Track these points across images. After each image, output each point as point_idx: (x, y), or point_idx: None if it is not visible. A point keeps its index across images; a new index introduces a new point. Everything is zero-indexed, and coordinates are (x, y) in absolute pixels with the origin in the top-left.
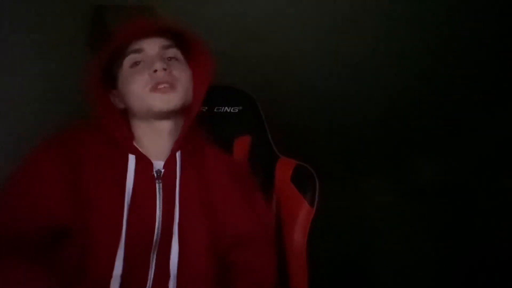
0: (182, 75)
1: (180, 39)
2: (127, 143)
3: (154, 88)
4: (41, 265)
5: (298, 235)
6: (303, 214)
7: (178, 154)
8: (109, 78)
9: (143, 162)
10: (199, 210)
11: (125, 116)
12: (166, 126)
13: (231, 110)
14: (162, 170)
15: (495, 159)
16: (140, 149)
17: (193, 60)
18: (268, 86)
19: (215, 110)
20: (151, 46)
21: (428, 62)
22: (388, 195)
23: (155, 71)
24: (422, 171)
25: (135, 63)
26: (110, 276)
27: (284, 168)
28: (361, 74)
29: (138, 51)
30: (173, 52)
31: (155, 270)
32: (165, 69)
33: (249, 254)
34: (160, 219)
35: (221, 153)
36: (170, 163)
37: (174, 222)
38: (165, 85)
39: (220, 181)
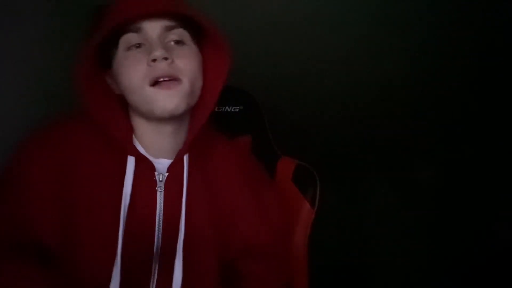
0: (187, 65)
1: (190, 21)
2: (125, 139)
3: (154, 83)
4: (36, 268)
5: (299, 235)
6: (304, 214)
7: (185, 158)
8: (103, 56)
9: (144, 164)
10: (207, 223)
11: (122, 103)
12: (169, 125)
13: (232, 110)
14: (166, 175)
15: (495, 159)
16: (140, 145)
17: (206, 48)
18: (269, 86)
19: (215, 110)
20: (152, 26)
21: (429, 62)
22: (388, 195)
23: (154, 60)
24: (423, 171)
25: (133, 46)
26: None
27: (285, 168)
28: (362, 74)
29: (135, 30)
30: (178, 33)
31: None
32: (166, 59)
33: (258, 266)
34: (160, 232)
35: (233, 152)
36: (175, 168)
37: (179, 239)
38: (166, 78)
39: (230, 187)
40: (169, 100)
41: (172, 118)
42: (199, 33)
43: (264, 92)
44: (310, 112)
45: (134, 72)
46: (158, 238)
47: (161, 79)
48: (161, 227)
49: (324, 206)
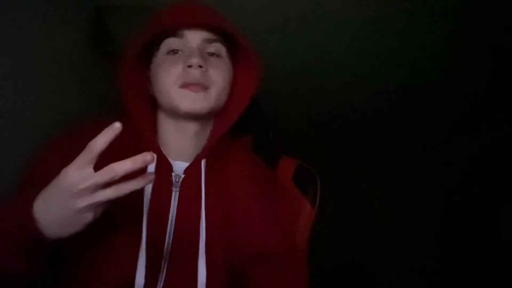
0: (219, 76)
1: (228, 37)
2: (149, 137)
3: (184, 85)
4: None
5: (299, 235)
6: (304, 214)
7: (203, 162)
8: (142, 59)
9: (163, 164)
10: (221, 226)
11: (152, 104)
12: (191, 127)
13: None
14: (182, 176)
15: (494, 159)
16: (161, 147)
17: (239, 63)
18: (269, 86)
19: None
20: (193, 36)
21: (429, 62)
22: (389, 195)
23: (190, 66)
24: (422, 171)
25: (172, 51)
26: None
27: (286, 168)
28: (363, 75)
29: (178, 35)
30: (216, 47)
31: (163, 286)
32: (201, 66)
33: (271, 273)
34: (172, 231)
35: (247, 159)
36: (192, 171)
37: (201, 240)
38: (197, 85)
39: (243, 193)
40: (194, 101)
41: (196, 119)
42: (234, 48)
43: (264, 92)
44: (310, 112)
45: (169, 73)
46: (169, 236)
47: (192, 85)
48: (173, 227)
49: (325, 206)
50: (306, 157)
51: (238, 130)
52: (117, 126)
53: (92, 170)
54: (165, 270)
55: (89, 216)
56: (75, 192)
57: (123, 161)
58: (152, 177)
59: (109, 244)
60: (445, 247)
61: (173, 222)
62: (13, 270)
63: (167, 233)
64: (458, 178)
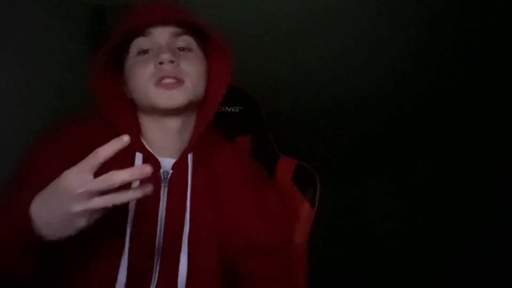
0: (192, 68)
1: (197, 29)
2: (133, 138)
3: (158, 83)
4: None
5: (299, 235)
6: (304, 213)
7: (189, 157)
8: (117, 64)
9: (150, 161)
10: (209, 221)
11: (133, 107)
12: (174, 123)
13: (232, 110)
14: (170, 172)
15: (494, 159)
16: (147, 145)
17: (211, 53)
18: (269, 86)
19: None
20: (160, 32)
21: (429, 60)
22: (388, 194)
23: (161, 63)
24: (422, 171)
25: (143, 51)
26: (114, 286)
27: (285, 168)
28: (362, 73)
29: (145, 34)
30: (185, 40)
31: (158, 282)
32: (172, 61)
33: (261, 265)
34: (162, 227)
35: (234, 152)
36: (180, 166)
37: (184, 233)
38: (171, 80)
39: (232, 186)
40: (171, 97)
41: (176, 115)
42: (205, 39)
43: (264, 92)
44: (310, 113)
45: (142, 72)
46: (160, 232)
47: (166, 80)
48: (163, 222)
49: (324, 206)
50: (306, 157)
51: (238, 130)
52: (125, 139)
53: (92, 177)
54: (158, 267)
55: (82, 221)
56: (73, 195)
57: (120, 171)
58: (150, 188)
59: (93, 245)
60: (445, 247)
61: (163, 219)
62: (11, 268)
63: (158, 231)
64: (458, 178)
